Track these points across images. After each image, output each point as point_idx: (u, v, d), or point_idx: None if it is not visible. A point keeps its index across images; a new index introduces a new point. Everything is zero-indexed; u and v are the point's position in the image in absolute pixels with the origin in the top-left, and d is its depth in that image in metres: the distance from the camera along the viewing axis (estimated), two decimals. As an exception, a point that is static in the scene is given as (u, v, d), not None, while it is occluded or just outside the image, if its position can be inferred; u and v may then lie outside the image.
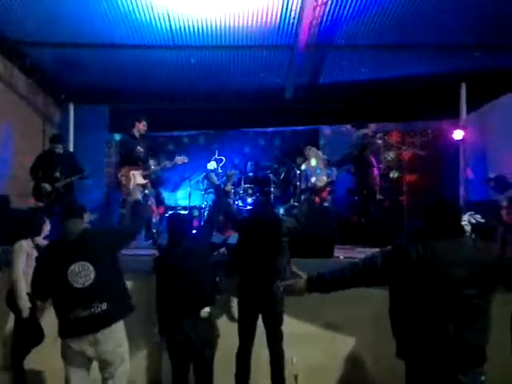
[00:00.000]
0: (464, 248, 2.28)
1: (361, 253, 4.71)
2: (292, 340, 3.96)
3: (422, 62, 6.96)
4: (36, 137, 7.60)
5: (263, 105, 8.29)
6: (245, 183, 7.19)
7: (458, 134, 6.92)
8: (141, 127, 5.98)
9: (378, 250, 2.49)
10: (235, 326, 3.97)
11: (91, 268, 3.03)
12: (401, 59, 6.92)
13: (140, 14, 5.50)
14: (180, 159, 5.97)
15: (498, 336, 2.40)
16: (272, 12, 5.46)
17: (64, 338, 3.09)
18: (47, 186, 5.85)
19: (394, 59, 6.92)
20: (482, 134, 6.79)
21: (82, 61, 6.76)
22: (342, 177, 6.96)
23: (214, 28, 5.85)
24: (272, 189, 7.23)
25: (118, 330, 3.15)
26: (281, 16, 5.54)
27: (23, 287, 3.90)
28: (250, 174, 7.56)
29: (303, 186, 6.91)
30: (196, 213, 7.33)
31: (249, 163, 7.76)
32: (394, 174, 8.37)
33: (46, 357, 4.05)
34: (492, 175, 5.16)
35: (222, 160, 7.57)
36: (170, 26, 5.80)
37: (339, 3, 5.29)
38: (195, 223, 6.88)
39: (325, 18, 5.60)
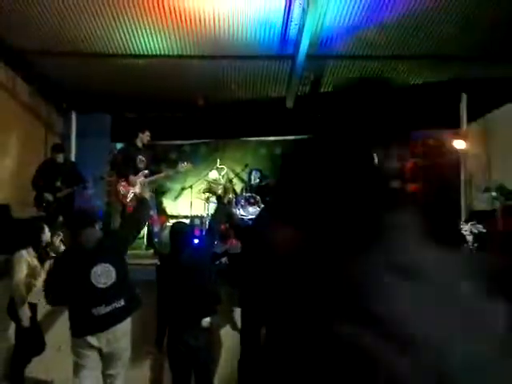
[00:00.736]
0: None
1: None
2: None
3: (421, 73, 6.99)
4: (38, 145, 7.57)
5: (264, 114, 8.32)
6: (247, 192, 7.15)
7: (459, 144, 6.94)
8: (144, 137, 5.99)
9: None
10: (237, 335, 3.95)
11: (111, 268, 3.28)
12: (401, 69, 6.95)
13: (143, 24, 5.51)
14: (184, 167, 5.96)
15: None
16: (273, 22, 5.49)
17: (82, 336, 3.23)
18: (48, 196, 5.85)
19: (394, 69, 6.95)
20: (483, 143, 6.80)
21: (84, 69, 6.77)
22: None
23: (215, 38, 5.87)
24: (274, 198, 7.13)
25: (129, 321, 3.41)
26: (282, 26, 5.58)
27: (24, 296, 3.90)
28: (254, 183, 7.44)
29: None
30: (198, 222, 7.31)
31: (253, 172, 7.58)
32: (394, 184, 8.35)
33: (48, 366, 4.03)
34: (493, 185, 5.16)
35: (223, 169, 7.57)
36: (172, 35, 5.82)
37: (340, 14, 5.33)
38: (197, 232, 6.83)
39: (326, 29, 5.64)
